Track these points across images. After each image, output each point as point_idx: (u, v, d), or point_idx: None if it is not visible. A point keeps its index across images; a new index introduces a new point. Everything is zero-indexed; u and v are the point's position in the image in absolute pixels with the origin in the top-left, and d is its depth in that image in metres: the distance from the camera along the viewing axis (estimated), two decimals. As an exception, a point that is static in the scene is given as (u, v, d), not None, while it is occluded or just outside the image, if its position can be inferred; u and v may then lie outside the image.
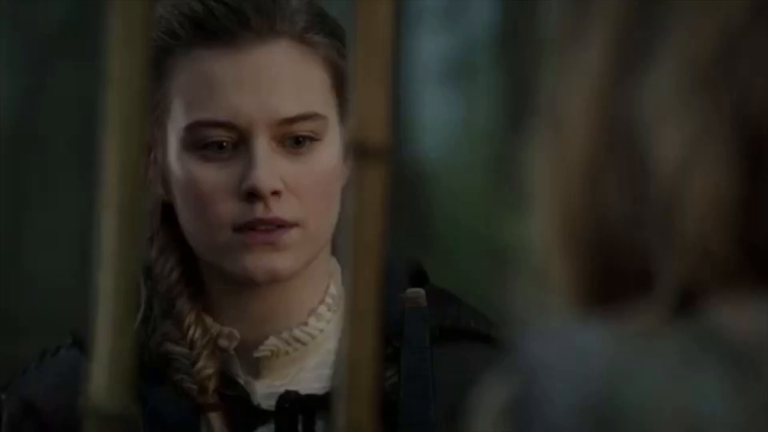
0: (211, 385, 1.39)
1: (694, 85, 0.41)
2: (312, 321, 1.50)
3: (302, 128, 1.47)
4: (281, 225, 1.38)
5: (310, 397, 1.49)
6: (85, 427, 0.46)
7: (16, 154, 4.32)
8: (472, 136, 4.64)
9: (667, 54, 0.42)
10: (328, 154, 1.52)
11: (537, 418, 0.39)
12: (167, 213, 1.45)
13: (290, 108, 1.41)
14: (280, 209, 1.39)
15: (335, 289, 1.56)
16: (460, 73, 4.51)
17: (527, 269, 0.45)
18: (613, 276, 0.42)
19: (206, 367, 1.39)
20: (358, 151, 0.50)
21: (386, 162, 0.51)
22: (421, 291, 1.33)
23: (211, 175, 1.43)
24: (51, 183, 4.31)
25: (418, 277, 1.45)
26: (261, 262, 1.40)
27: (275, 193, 1.39)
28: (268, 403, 1.44)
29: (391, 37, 0.51)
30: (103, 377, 0.45)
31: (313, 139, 1.50)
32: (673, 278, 0.39)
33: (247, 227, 1.38)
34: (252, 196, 1.38)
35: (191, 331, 1.41)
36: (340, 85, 1.50)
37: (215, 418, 1.42)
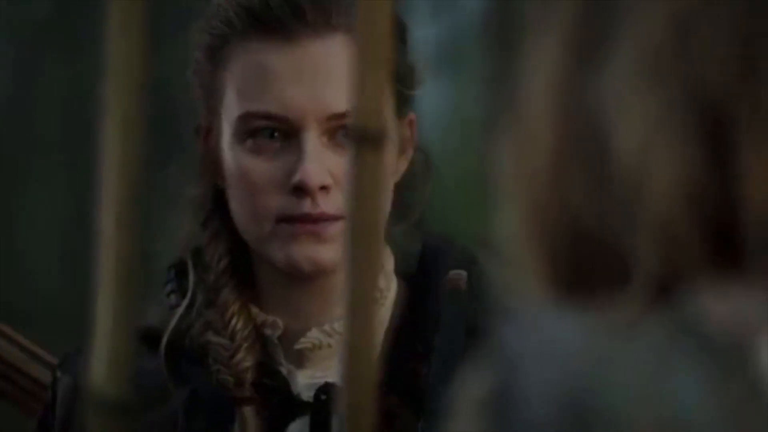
0: (248, 377, 1.39)
1: (650, 72, 0.42)
2: None
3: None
4: (327, 219, 1.38)
5: None
6: (85, 413, 0.46)
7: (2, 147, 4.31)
8: (462, 123, 4.64)
9: (622, 42, 0.43)
10: None
11: (515, 411, 0.39)
12: (220, 199, 1.45)
13: (342, 103, 1.40)
14: (327, 204, 1.38)
15: (384, 280, 1.55)
16: (450, 61, 4.50)
17: (505, 259, 0.45)
18: (584, 266, 0.42)
19: (245, 359, 1.39)
20: (357, 138, 0.51)
21: (384, 148, 0.51)
22: (462, 273, 1.32)
23: (260, 166, 1.42)
24: (39, 174, 4.29)
25: (465, 257, 1.44)
26: (306, 253, 1.40)
27: (323, 188, 1.39)
28: (308, 394, 1.44)
29: (391, 27, 0.51)
30: (102, 364, 0.45)
31: None
32: (644, 267, 0.39)
33: (293, 219, 1.38)
34: (300, 190, 1.38)
35: (233, 322, 1.41)
36: (392, 81, 1.47)
37: (249, 412, 1.42)
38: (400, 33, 1.44)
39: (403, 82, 1.51)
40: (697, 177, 0.40)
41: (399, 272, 1.61)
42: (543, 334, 0.40)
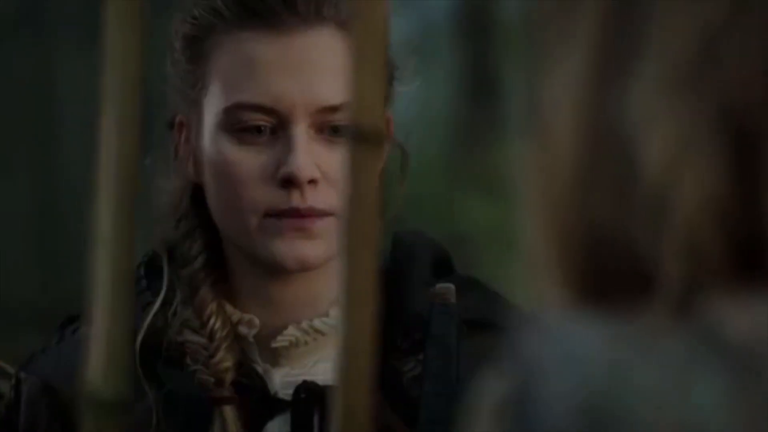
0: (228, 377, 1.38)
1: (678, 85, 0.42)
2: (333, 312, 1.48)
3: (343, 117, 1.45)
4: (315, 214, 1.36)
5: (327, 388, 1.48)
6: (81, 412, 0.45)
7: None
8: (431, 118, 4.64)
9: (650, 54, 0.42)
10: None
11: (535, 417, 0.39)
12: (196, 195, 1.42)
13: (333, 96, 1.38)
14: (315, 198, 1.37)
15: None
16: (418, 56, 4.50)
17: (526, 265, 0.45)
18: (606, 275, 0.42)
19: (224, 359, 1.37)
20: (354, 136, 0.50)
21: (381, 146, 0.51)
22: (450, 287, 1.31)
23: (247, 158, 1.40)
24: (2, 164, 4.24)
25: (445, 266, 1.43)
26: (292, 248, 1.38)
27: (312, 181, 1.37)
28: (285, 393, 1.43)
29: (387, 25, 0.51)
30: (99, 363, 0.45)
31: None
32: (667, 278, 0.40)
33: (280, 214, 1.36)
34: (289, 182, 1.36)
35: (212, 322, 1.39)
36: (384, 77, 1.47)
37: (229, 411, 1.40)
38: None
39: (387, 77, 1.50)
40: (723, 191, 0.40)
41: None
42: (564, 341, 0.40)
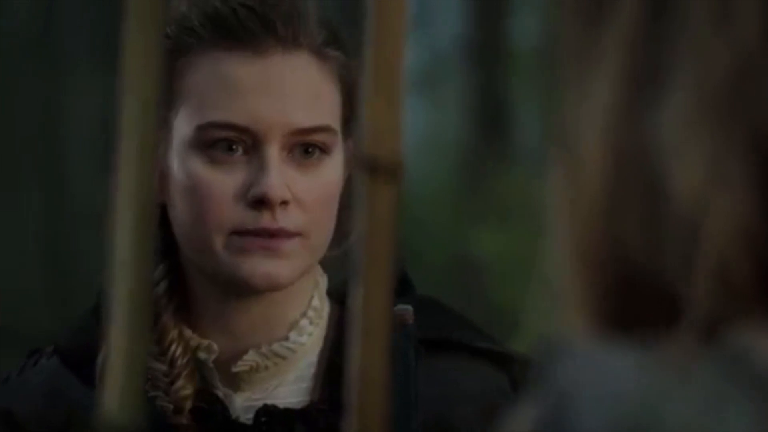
0: (188, 405, 1.38)
1: (709, 110, 0.41)
2: (293, 335, 1.49)
3: (314, 140, 1.47)
4: (284, 234, 1.37)
5: (288, 411, 1.48)
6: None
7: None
8: (439, 144, 4.66)
9: (681, 79, 0.42)
10: (334, 168, 1.51)
11: None
12: (160, 217, 1.42)
13: (306, 118, 1.40)
14: (286, 219, 1.37)
15: (318, 301, 1.55)
16: (427, 83, 4.52)
17: (553, 293, 0.45)
18: (634, 303, 0.42)
19: (184, 387, 1.37)
20: (370, 167, 0.50)
21: (399, 178, 0.51)
22: (409, 308, 1.31)
23: (218, 177, 1.41)
24: (6, 183, 4.26)
25: (403, 286, 1.44)
26: (259, 267, 1.39)
27: (283, 202, 1.38)
28: (247, 417, 1.43)
29: (404, 54, 0.51)
30: (115, 391, 0.45)
31: (322, 151, 1.50)
32: (697, 306, 0.39)
33: (248, 232, 1.36)
34: (260, 203, 1.37)
35: (173, 348, 1.39)
36: (347, 102, 1.50)
37: None
38: (353, 53, 1.45)
39: (354, 105, 1.52)
40: (753, 219, 0.40)
41: (332, 294, 1.61)
42: (595, 370, 0.40)
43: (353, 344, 0.49)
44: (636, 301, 0.41)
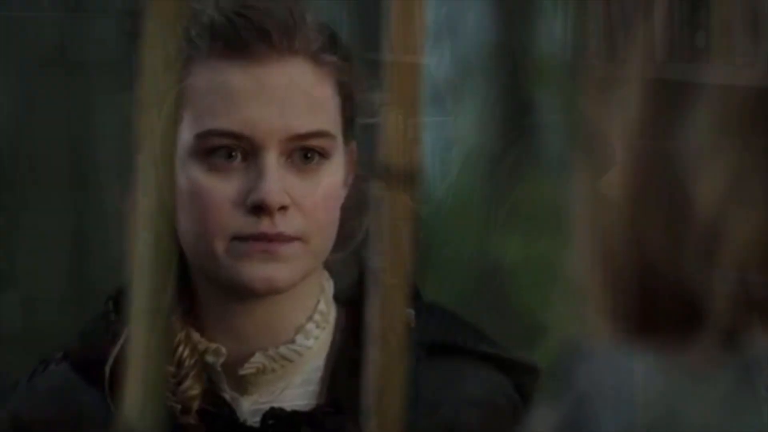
0: (195, 405, 1.39)
1: (733, 122, 0.42)
2: (299, 339, 1.50)
3: (313, 145, 1.48)
4: (283, 239, 1.38)
5: (295, 414, 1.49)
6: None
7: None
8: (464, 151, 4.64)
9: (706, 91, 0.43)
10: (334, 172, 1.52)
11: None
12: None
13: (303, 124, 1.42)
14: (285, 224, 1.39)
15: (325, 305, 1.56)
16: (452, 93, 4.51)
17: (576, 297, 0.45)
18: (655, 309, 0.42)
19: (191, 387, 1.38)
20: (387, 175, 0.51)
21: (416, 185, 0.51)
22: (411, 312, 1.32)
23: (217, 184, 1.43)
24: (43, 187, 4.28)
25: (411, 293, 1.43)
26: (259, 271, 1.40)
27: (282, 208, 1.40)
28: (254, 420, 1.43)
29: (423, 61, 0.51)
30: (135, 399, 0.45)
31: (321, 156, 1.51)
32: (717, 312, 0.40)
33: (248, 237, 1.38)
34: (258, 209, 1.39)
35: (180, 350, 1.40)
36: (346, 106, 1.52)
37: None
38: (350, 57, 1.47)
39: (354, 109, 1.54)
40: None
41: (338, 298, 1.61)
42: (615, 374, 0.40)
43: (371, 348, 0.50)
44: (657, 307, 0.42)
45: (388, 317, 0.50)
